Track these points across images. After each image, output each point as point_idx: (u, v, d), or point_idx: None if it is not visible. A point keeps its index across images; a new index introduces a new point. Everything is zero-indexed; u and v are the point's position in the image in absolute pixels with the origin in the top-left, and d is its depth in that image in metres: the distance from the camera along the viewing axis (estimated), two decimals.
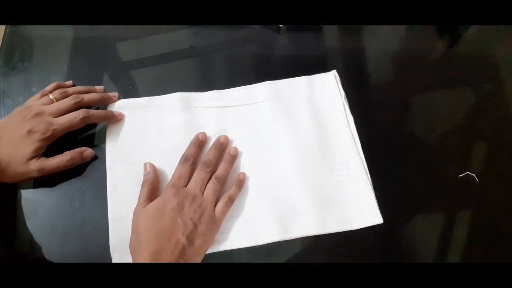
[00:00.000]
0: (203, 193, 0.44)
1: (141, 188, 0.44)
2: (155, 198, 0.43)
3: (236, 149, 0.48)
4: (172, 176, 0.45)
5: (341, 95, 0.53)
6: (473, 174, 0.50)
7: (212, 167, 0.46)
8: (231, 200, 0.45)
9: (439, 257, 0.47)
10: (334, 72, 0.55)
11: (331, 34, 0.60)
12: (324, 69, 0.55)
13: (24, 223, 0.45)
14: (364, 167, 0.48)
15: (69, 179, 0.47)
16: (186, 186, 0.44)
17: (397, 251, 0.48)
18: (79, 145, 0.48)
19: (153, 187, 0.44)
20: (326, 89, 0.53)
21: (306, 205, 0.46)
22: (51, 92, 0.48)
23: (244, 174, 0.47)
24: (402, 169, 0.50)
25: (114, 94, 0.51)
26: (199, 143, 0.47)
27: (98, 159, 0.48)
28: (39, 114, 0.44)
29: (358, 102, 0.53)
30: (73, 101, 0.46)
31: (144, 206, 0.42)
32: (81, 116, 0.45)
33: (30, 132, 0.43)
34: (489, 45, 0.61)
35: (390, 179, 0.49)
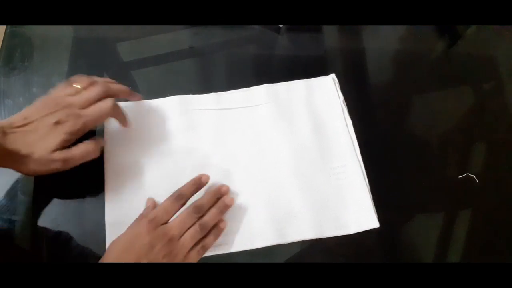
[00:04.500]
0: (181, 236, 0.41)
1: (135, 220, 0.42)
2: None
3: (232, 200, 0.45)
4: (157, 208, 0.42)
5: (339, 98, 0.53)
6: (473, 175, 0.50)
7: (202, 213, 0.43)
8: (203, 249, 0.42)
9: (439, 257, 0.47)
10: (333, 75, 0.54)
11: (331, 34, 0.60)
12: (324, 69, 0.55)
13: (24, 223, 0.45)
14: (362, 171, 0.48)
15: (69, 179, 0.47)
16: (166, 223, 0.41)
17: (397, 251, 0.48)
18: None
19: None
20: (325, 92, 0.53)
21: (303, 209, 0.46)
22: (76, 82, 0.45)
23: (225, 222, 0.44)
24: (402, 170, 0.50)
25: (138, 95, 0.50)
26: (199, 185, 0.44)
27: (99, 159, 0.48)
28: (67, 106, 0.42)
29: (358, 102, 0.53)
30: (101, 89, 0.44)
31: None
32: (111, 104, 0.43)
33: (57, 123, 0.41)
34: (489, 45, 0.61)
35: (390, 180, 0.49)
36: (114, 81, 0.48)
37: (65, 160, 0.41)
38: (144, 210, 0.43)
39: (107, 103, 0.43)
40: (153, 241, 0.39)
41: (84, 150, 0.43)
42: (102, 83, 0.45)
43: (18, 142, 0.40)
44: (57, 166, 0.41)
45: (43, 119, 0.41)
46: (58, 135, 0.41)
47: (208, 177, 0.45)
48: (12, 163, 0.40)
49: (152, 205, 0.44)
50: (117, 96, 0.46)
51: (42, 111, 0.42)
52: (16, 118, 0.41)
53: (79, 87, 0.44)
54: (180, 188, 0.44)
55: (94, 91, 0.44)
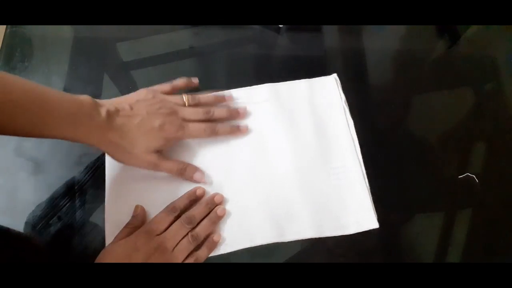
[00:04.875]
0: (174, 247, 0.41)
1: (123, 228, 0.42)
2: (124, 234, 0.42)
3: (224, 210, 0.45)
4: (152, 219, 0.43)
5: (341, 99, 0.53)
6: (473, 175, 0.50)
7: (194, 225, 0.43)
8: (197, 262, 0.42)
9: (439, 257, 0.46)
10: (334, 75, 0.54)
11: (331, 34, 0.60)
12: (324, 69, 0.55)
13: (25, 223, 0.45)
14: (362, 171, 0.48)
15: (69, 179, 0.47)
16: (161, 234, 0.42)
17: (397, 251, 0.48)
18: (79, 146, 0.48)
19: (134, 231, 0.42)
20: (327, 92, 0.53)
21: (303, 208, 0.46)
22: (181, 88, 0.49)
23: (219, 235, 0.44)
24: (402, 170, 0.50)
25: (242, 108, 0.50)
26: (194, 198, 0.45)
27: (99, 159, 0.48)
28: (173, 114, 0.45)
29: (357, 102, 0.53)
30: (205, 116, 0.47)
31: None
32: (209, 131, 0.47)
33: (161, 127, 0.43)
34: (489, 45, 0.61)
35: (391, 180, 0.49)
36: (218, 98, 0.50)
37: (155, 165, 0.44)
38: (132, 218, 0.44)
39: (206, 128, 0.47)
40: (147, 253, 0.40)
41: (172, 166, 0.45)
42: (206, 110, 0.47)
43: (122, 130, 0.41)
44: (146, 166, 0.44)
45: (150, 118, 0.43)
46: (159, 139, 0.43)
47: (203, 191, 0.46)
48: (108, 147, 0.42)
49: (141, 213, 0.44)
50: (217, 120, 0.49)
51: (149, 108, 0.44)
52: (122, 105, 0.43)
53: (186, 100, 0.47)
54: (175, 201, 0.45)
55: (199, 114, 0.47)
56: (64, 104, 0.38)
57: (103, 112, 0.40)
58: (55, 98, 0.38)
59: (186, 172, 0.46)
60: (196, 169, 0.47)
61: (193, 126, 0.46)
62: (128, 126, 0.42)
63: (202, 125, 0.47)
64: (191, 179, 0.46)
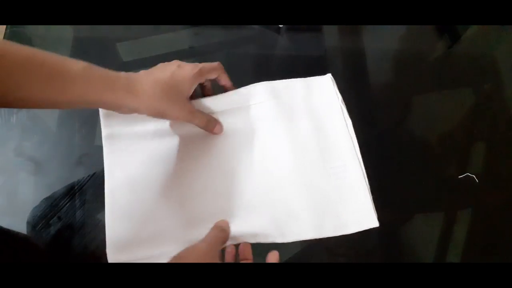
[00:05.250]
0: None
1: (214, 230, 0.42)
2: (220, 247, 0.41)
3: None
4: None
5: (338, 98, 0.53)
6: (473, 175, 0.50)
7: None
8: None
9: (439, 257, 0.47)
10: (329, 75, 0.54)
11: (331, 34, 0.60)
12: (324, 69, 0.55)
13: (24, 223, 0.45)
14: (362, 170, 0.48)
15: (69, 179, 0.47)
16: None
17: (397, 251, 0.48)
18: (78, 146, 0.48)
19: (225, 240, 0.42)
20: (323, 91, 0.53)
21: (303, 208, 0.46)
22: None
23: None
24: (402, 170, 0.51)
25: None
26: None
27: (99, 159, 0.48)
28: (182, 62, 0.46)
29: (357, 102, 0.53)
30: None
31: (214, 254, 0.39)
32: (219, 62, 0.48)
33: (180, 67, 0.44)
34: (489, 45, 0.61)
35: (390, 179, 0.49)
36: None
37: (193, 114, 0.45)
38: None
39: (216, 63, 0.48)
40: None
41: (204, 120, 0.47)
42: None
43: (147, 80, 0.42)
44: (185, 115, 0.45)
45: (165, 66, 0.44)
46: (185, 81, 0.43)
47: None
48: (144, 103, 0.41)
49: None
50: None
51: (161, 66, 0.45)
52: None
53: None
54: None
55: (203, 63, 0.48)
56: (77, 63, 0.38)
57: (121, 73, 0.41)
58: (66, 60, 0.38)
59: (209, 124, 0.48)
60: (216, 122, 0.49)
61: (204, 63, 0.46)
62: (151, 78, 0.42)
63: (212, 63, 0.47)
64: (211, 131, 0.49)
